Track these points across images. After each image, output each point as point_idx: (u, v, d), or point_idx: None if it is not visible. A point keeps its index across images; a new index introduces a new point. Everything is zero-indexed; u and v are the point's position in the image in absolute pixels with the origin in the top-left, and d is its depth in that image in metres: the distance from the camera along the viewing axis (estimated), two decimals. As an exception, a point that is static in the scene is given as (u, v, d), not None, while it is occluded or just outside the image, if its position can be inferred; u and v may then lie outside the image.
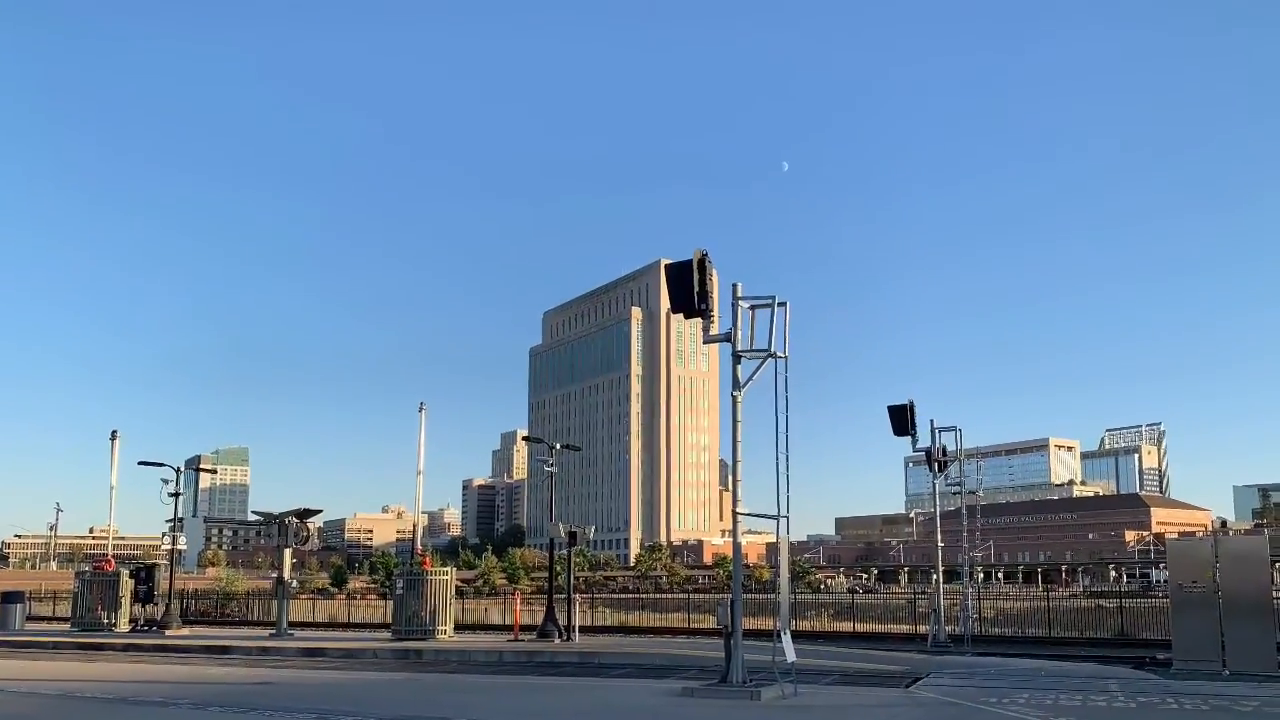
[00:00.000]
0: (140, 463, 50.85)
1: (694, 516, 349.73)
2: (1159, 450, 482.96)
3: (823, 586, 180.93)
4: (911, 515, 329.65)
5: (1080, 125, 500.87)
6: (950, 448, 42.21)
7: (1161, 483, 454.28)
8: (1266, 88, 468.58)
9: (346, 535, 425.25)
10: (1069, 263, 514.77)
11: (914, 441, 40.94)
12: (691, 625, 57.74)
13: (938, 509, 43.98)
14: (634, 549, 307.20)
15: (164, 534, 54.04)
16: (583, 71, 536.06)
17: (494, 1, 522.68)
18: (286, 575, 46.39)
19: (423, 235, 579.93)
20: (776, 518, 22.73)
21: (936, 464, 41.78)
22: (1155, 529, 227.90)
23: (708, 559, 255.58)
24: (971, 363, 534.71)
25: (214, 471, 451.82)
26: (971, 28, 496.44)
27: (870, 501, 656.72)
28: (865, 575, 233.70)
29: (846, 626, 56.73)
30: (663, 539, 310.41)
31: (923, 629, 44.78)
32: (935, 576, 42.52)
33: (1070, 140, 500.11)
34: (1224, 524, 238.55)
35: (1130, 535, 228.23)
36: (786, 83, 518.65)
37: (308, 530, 47.08)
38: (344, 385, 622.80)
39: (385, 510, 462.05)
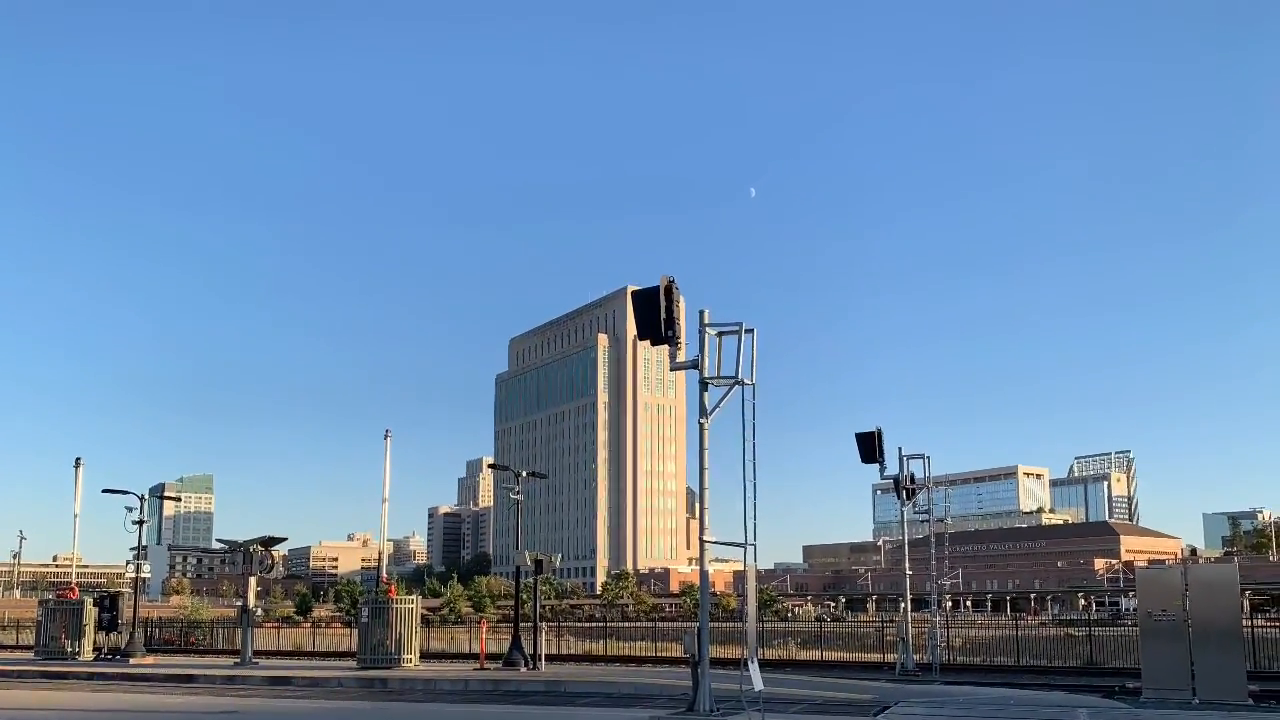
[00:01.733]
0: (104, 490, 50.22)
1: (661, 544, 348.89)
2: (1128, 478, 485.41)
3: (790, 615, 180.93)
4: (879, 543, 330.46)
5: (1049, 153, 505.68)
6: (918, 475, 42.24)
7: (1131, 511, 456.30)
8: (1234, 115, 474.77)
9: (311, 563, 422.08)
10: (1038, 290, 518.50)
11: (882, 469, 40.99)
12: (659, 654, 57.51)
13: (906, 537, 44.03)
14: (600, 577, 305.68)
15: (128, 562, 53.18)
16: (549, 97, 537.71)
17: (460, 27, 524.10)
18: (251, 603, 45.90)
19: (388, 261, 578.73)
20: (744, 545, 22.63)
21: (905, 491, 41.79)
22: (1125, 557, 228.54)
23: (675, 587, 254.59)
24: (940, 390, 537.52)
25: (178, 499, 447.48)
26: (941, 55, 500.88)
27: (838, 529, 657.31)
28: (833, 603, 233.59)
29: (814, 655, 56.76)
30: (630, 567, 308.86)
31: (891, 657, 44.70)
32: (903, 604, 42.52)
33: (1038, 168, 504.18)
34: (1194, 552, 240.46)
35: (1099, 563, 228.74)
36: (754, 109, 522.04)
37: (272, 558, 46.53)
38: (309, 412, 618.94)
39: (350, 538, 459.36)
